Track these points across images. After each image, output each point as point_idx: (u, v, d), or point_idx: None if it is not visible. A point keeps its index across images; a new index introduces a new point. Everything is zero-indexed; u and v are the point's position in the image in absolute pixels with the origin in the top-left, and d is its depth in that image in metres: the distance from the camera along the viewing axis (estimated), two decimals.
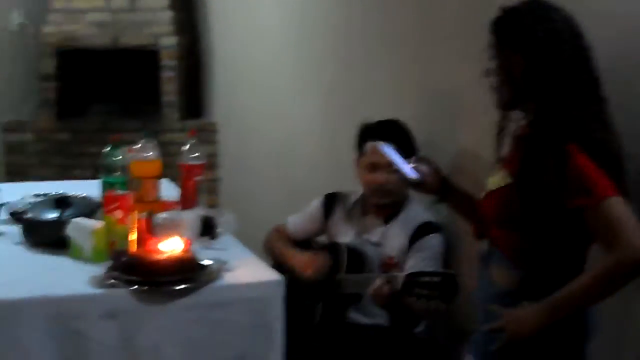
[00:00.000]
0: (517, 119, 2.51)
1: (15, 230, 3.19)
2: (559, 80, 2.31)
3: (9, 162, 6.97)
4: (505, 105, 2.47)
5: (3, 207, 3.41)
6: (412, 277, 2.88)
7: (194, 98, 7.22)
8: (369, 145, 3.51)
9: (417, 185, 2.84)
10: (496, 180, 2.50)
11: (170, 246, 2.79)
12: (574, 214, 2.29)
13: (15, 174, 6.78)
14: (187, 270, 2.72)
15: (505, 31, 2.40)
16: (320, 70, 4.90)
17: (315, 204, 3.78)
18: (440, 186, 2.83)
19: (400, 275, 2.94)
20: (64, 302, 2.62)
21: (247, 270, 2.90)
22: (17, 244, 3.12)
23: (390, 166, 3.34)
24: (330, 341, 3.42)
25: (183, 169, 3.49)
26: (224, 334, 2.73)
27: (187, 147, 3.54)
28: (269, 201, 5.68)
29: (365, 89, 4.32)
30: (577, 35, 2.35)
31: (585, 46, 2.36)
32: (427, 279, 2.82)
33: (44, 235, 3.11)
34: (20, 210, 3.28)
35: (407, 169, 2.82)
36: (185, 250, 2.80)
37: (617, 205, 2.23)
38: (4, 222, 3.34)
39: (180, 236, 2.86)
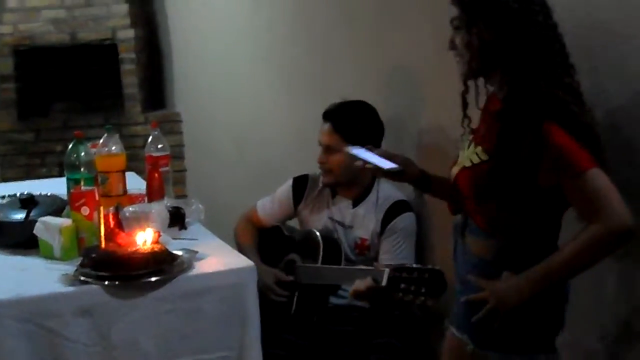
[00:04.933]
0: (482, 90, 2.51)
1: None
2: (533, 51, 2.30)
3: None
4: (469, 75, 2.46)
5: None
6: (397, 272, 2.78)
7: (156, 90, 7.19)
8: (321, 126, 3.54)
9: (398, 174, 2.79)
10: (470, 155, 2.49)
11: (140, 239, 2.78)
12: (553, 188, 2.30)
13: None
14: (159, 262, 2.70)
15: (476, 4, 2.38)
16: (280, 51, 4.88)
17: (284, 189, 3.76)
18: (420, 174, 2.81)
19: (385, 271, 2.84)
20: (37, 302, 2.60)
21: (218, 258, 2.90)
22: None
23: (328, 149, 3.39)
24: (307, 330, 3.41)
25: (148, 160, 3.47)
26: (199, 323, 2.73)
27: (151, 138, 3.53)
28: (235, 187, 5.66)
29: (328, 67, 4.31)
30: (544, 4, 2.35)
31: (552, 14, 2.35)
32: (414, 274, 2.72)
33: (13, 236, 3.10)
34: None
35: (383, 162, 2.75)
36: (155, 242, 2.80)
37: (599, 177, 2.23)
38: None
39: (149, 228, 2.85)
